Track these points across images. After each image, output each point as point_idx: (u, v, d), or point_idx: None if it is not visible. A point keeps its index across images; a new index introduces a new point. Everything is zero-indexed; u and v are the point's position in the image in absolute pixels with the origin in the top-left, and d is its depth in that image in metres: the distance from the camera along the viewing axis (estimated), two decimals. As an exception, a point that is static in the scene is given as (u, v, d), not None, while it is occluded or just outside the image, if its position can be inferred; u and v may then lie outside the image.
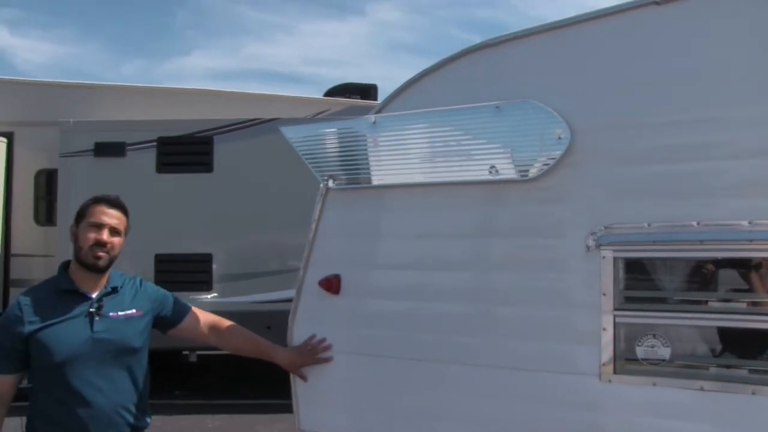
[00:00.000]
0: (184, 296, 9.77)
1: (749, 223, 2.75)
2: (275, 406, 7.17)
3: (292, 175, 7.43)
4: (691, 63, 2.94)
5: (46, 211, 9.93)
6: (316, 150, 3.73)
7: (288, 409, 3.88)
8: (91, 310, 3.06)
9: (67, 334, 3.00)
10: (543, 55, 3.26)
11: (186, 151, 9.17)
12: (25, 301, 3.03)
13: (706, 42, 2.91)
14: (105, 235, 3.06)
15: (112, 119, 9.47)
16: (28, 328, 2.97)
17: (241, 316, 9.11)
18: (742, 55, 2.83)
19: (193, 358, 9.92)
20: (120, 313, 3.14)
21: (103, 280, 3.16)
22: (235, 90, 10.52)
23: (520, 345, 3.24)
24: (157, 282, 10.20)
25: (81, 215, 3.11)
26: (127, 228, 3.23)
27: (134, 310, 3.20)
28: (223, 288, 8.99)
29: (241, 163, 9.00)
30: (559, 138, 3.11)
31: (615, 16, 3.07)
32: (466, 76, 3.40)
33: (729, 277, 3.07)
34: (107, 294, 3.14)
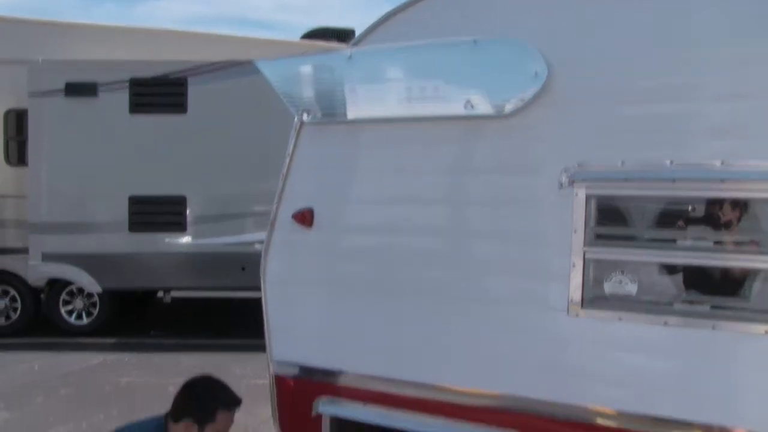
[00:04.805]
0: (158, 238, 9.55)
1: (722, 163, 2.78)
2: (248, 346, 7.20)
3: (267, 117, 7.36)
4: (671, 5, 2.93)
5: (17, 152, 9.75)
6: (291, 84, 3.70)
7: (261, 348, 3.92)
8: None
9: None
10: None
11: (160, 92, 9.03)
12: None
13: None
14: None
15: (84, 59, 9.28)
16: None
17: (215, 258, 9.09)
18: None
19: (167, 299, 9.94)
20: None
21: None
22: (209, 32, 10.33)
23: (493, 280, 3.27)
24: (131, 224, 10.00)
25: (209, 414, 2.86)
26: None
27: None
28: (197, 230, 8.95)
29: (216, 104, 8.88)
30: (536, 75, 3.10)
31: None
32: (445, 10, 3.36)
33: (698, 216, 3.12)
34: None
